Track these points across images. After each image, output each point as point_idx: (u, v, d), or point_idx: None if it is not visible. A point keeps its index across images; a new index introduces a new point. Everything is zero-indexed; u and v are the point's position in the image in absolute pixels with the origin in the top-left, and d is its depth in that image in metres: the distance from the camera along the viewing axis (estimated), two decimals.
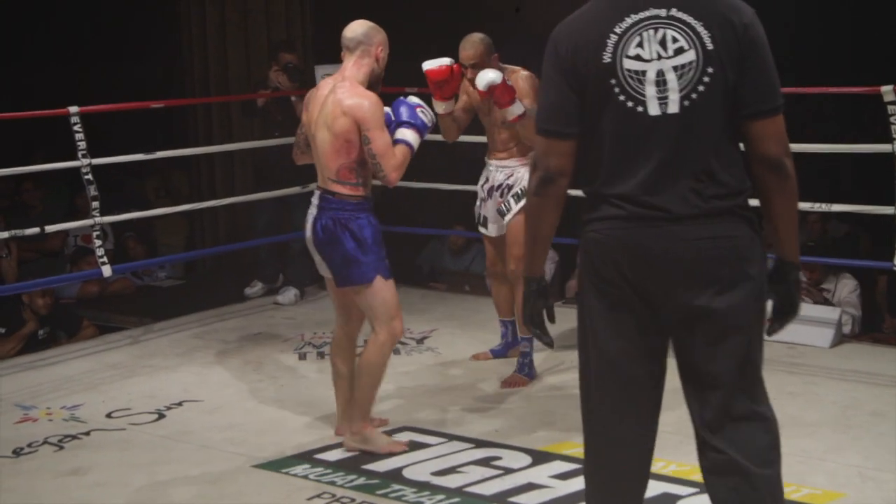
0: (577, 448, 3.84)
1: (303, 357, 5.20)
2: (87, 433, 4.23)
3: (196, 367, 5.11)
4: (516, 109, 4.36)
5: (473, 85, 4.44)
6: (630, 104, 2.33)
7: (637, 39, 2.33)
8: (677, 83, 2.32)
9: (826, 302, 5.76)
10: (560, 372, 4.84)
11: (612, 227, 2.38)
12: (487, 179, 4.73)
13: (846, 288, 5.92)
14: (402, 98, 3.92)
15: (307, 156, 3.96)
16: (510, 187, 4.65)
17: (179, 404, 4.55)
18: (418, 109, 3.83)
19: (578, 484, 3.52)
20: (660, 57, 2.32)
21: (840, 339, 5.20)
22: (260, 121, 6.57)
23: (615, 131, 2.35)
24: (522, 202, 4.53)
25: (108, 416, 4.44)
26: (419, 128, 3.81)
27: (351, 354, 4.03)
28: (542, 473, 3.70)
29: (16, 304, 6.00)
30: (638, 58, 2.33)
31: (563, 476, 3.66)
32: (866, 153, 5.26)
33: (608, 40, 2.34)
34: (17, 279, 6.55)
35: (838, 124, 8.10)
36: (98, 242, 5.44)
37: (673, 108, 2.32)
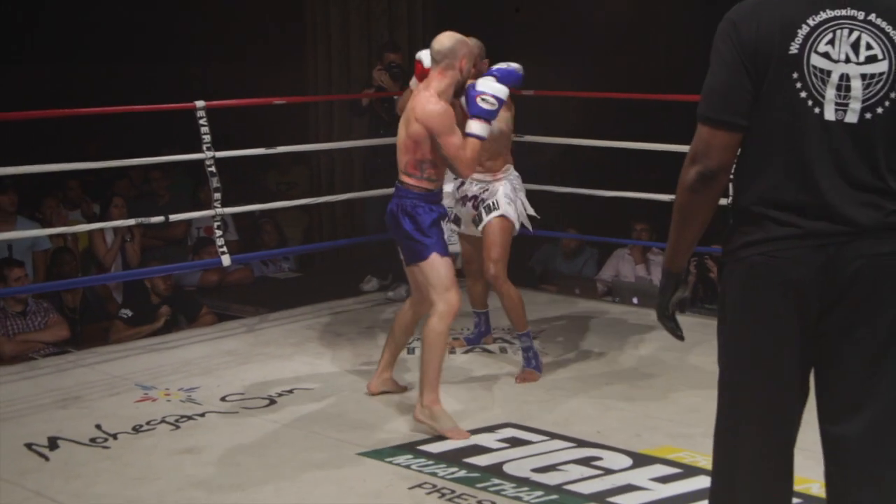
0: (678, 453, 3.86)
1: (411, 351, 5.27)
2: (202, 415, 4.40)
3: (308, 357, 5.24)
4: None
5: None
6: (809, 103, 2.18)
7: (829, 37, 2.18)
8: (862, 92, 2.18)
9: None
10: (666, 376, 4.82)
11: (784, 247, 2.21)
12: (462, 184, 4.88)
13: None
14: (470, 85, 4.14)
15: None
16: (483, 200, 4.80)
17: (290, 391, 4.68)
18: (478, 99, 4.06)
19: (679, 488, 3.56)
20: (848, 60, 2.17)
21: None
22: (367, 119, 6.72)
23: (789, 130, 2.20)
24: (494, 213, 4.74)
25: (223, 399, 4.60)
26: (484, 117, 4.06)
27: (410, 329, 4.51)
28: (642, 476, 3.70)
29: (142, 289, 6.26)
30: (826, 56, 2.18)
31: (664, 479, 3.65)
32: None
33: (799, 31, 2.18)
34: (141, 264, 6.83)
35: None
36: (219, 233, 5.63)
37: (851, 117, 2.18)
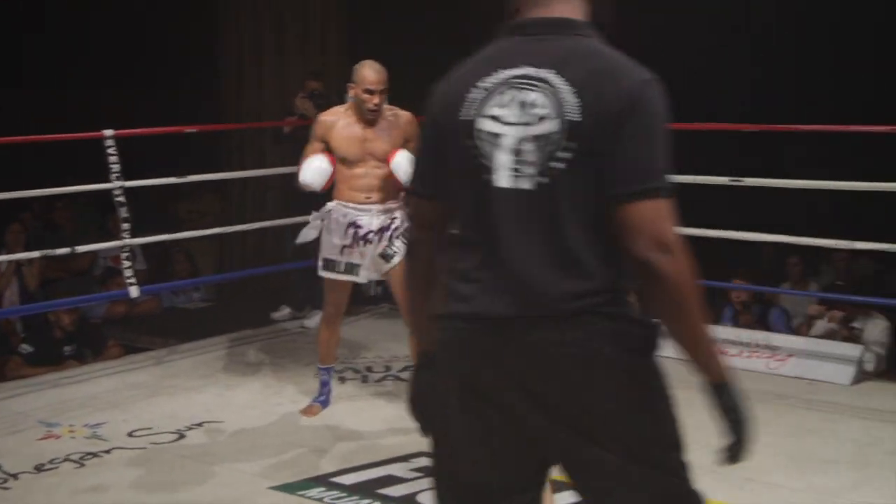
0: None
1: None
2: (108, 451, 4.29)
3: (218, 389, 5.16)
4: None
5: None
6: (481, 170, 1.98)
7: (499, 99, 1.98)
8: (535, 156, 1.94)
9: (854, 339, 5.75)
10: None
11: (455, 327, 2.00)
12: (357, 224, 4.47)
13: (877, 328, 5.91)
14: None
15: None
16: (396, 228, 4.44)
17: (200, 425, 4.60)
18: None
19: None
20: (519, 122, 1.96)
21: (861, 376, 5.18)
22: (290, 147, 6.68)
23: (467, 200, 2.01)
24: None
25: (130, 434, 4.50)
26: None
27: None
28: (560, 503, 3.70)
29: (45, 323, 6.10)
30: (497, 119, 1.98)
31: None
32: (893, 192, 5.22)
33: (469, 95, 2.01)
34: (43, 293, 6.67)
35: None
36: (127, 263, 5.52)
37: (526, 183, 1.94)
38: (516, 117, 1.97)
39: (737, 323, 6.24)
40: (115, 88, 9.39)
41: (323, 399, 4.77)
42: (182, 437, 4.47)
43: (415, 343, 2.19)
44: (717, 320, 6.41)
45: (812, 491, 3.79)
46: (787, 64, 8.78)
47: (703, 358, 1.93)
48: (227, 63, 7.82)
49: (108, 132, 5.36)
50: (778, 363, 5.31)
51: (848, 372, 5.13)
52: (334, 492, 3.83)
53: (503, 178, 1.96)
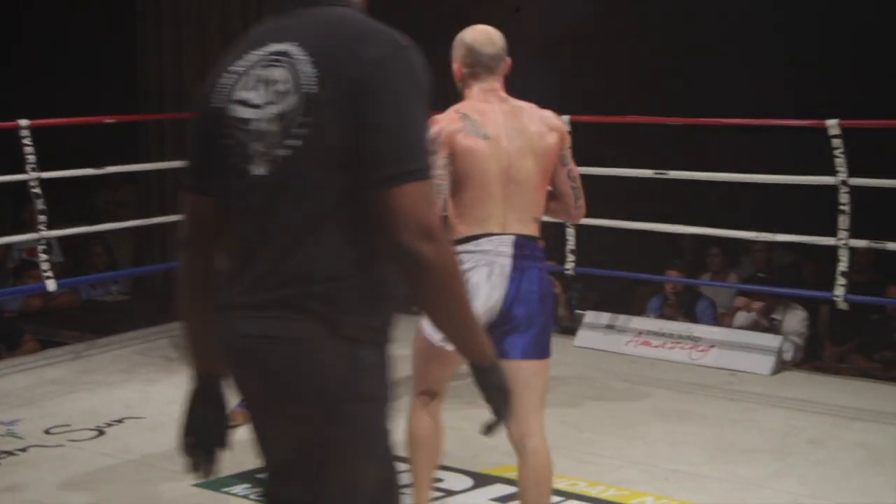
0: (517, 471, 3.88)
1: None
2: (24, 449, 4.19)
3: (138, 384, 5.08)
4: None
5: None
6: (234, 159, 1.87)
7: (246, 81, 1.86)
8: (277, 136, 1.82)
9: (774, 330, 5.86)
10: None
11: (220, 318, 1.93)
12: None
13: (795, 318, 6.03)
14: None
15: None
16: None
17: (120, 421, 4.52)
18: None
19: None
20: (265, 103, 1.84)
21: (781, 366, 5.29)
22: None
23: (230, 192, 1.90)
24: None
25: (47, 432, 4.39)
26: None
27: (439, 441, 3.25)
28: (482, 496, 3.71)
29: None
30: (245, 103, 1.86)
31: (504, 499, 3.67)
32: (812, 184, 5.32)
33: (220, 81, 1.90)
34: None
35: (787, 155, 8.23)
36: (43, 256, 5.39)
37: (270, 167, 1.83)
38: (262, 98, 1.84)
39: (662, 314, 6.31)
40: (30, 82, 9.15)
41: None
42: (101, 433, 4.38)
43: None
44: (643, 311, 6.49)
45: (735, 481, 3.85)
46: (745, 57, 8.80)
47: (470, 342, 1.89)
48: (146, 52, 7.67)
49: (24, 122, 5.24)
50: (700, 354, 5.39)
51: (768, 362, 5.22)
52: (259, 488, 3.77)
53: (255, 164, 1.84)
